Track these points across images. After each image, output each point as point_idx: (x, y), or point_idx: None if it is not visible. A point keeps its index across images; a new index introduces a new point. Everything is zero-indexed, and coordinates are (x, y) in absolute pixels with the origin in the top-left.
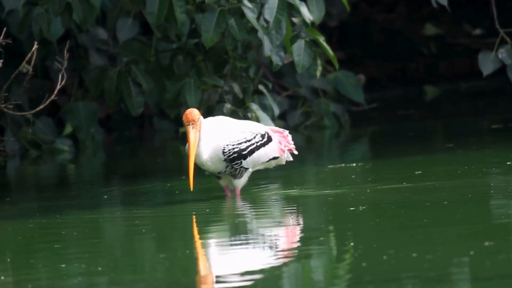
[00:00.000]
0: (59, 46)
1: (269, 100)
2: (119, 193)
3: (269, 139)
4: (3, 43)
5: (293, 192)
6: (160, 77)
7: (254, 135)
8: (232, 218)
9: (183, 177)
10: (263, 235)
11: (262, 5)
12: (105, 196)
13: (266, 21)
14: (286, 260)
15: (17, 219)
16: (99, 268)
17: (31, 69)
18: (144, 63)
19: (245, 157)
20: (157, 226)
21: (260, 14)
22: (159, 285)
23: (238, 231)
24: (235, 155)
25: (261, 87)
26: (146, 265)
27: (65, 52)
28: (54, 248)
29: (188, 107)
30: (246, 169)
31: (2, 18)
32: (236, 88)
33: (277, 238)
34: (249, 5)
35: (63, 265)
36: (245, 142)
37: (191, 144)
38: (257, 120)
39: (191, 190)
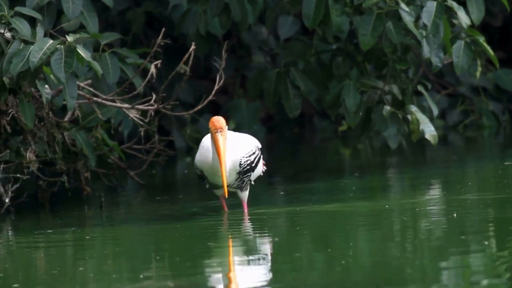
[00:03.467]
0: (222, 44)
1: (428, 101)
2: (281, 191)
3: (260, 153)
4: (162, 43)
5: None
6: (320, 77)
7: (256, 147)
8: (385, 216)
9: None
10: (418, 231)
11: (421, 8)
12: (268, 195)
13: (424, 25)
14: (438, 258)
15: (183, 217)
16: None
17: (188, 70)
18: (303, 63)
19: (253, 169)
20: (317, 224)
21: (417, 17)
22: (324, 286)
23: (395, 228)
24: (248, 167)
25: (420, 87)
26: (305, 265)
27: (223, 52)
28: (208, 247)
29: (347, 109)
30: (250, 181)
31: (166, 14)
32: (395, 89)
33: (429, 238)
34: (407, 8)
35: (214, 263)
36: (253, 154)
37: (221, 151)
38: (417, 121)
39: (226, 197)
